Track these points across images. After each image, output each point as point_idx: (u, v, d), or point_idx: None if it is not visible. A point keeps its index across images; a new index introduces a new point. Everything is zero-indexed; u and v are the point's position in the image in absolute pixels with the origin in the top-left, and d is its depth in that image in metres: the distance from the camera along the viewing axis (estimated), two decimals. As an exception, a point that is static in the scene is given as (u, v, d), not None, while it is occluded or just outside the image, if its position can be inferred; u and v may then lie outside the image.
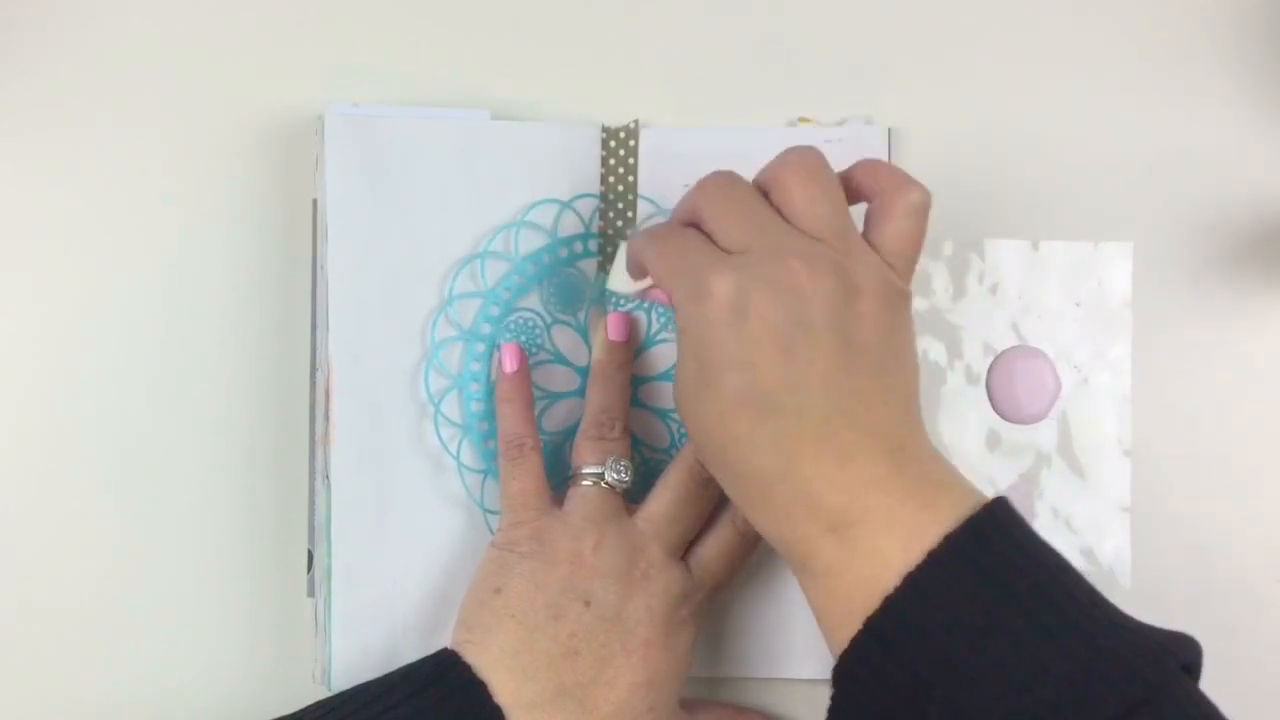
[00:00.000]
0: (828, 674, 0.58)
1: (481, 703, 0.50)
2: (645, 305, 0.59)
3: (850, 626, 0.45)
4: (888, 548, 0.45)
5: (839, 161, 0.59)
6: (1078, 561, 0.60)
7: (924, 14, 0.61)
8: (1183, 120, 0.61)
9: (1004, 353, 0.60)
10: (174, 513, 0.59)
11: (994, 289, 0.60)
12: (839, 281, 0.46)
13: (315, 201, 0.59)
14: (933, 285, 0.60)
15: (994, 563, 0.44)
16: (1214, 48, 0.61)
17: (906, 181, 0.49)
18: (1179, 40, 0.61)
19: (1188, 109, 0.61)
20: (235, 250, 0.60)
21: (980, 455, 0.60)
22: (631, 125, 0.60)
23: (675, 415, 0.59)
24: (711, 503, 0.55)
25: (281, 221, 0.60)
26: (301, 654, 0.59)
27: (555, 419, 0.58)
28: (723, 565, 0.55)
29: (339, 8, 0.61)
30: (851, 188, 0.50)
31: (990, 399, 0.60)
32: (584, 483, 0.54)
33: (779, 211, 0.48)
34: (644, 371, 0.59)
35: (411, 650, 0.56)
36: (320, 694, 0.56)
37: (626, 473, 0.55)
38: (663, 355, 0.59)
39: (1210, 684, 0.45)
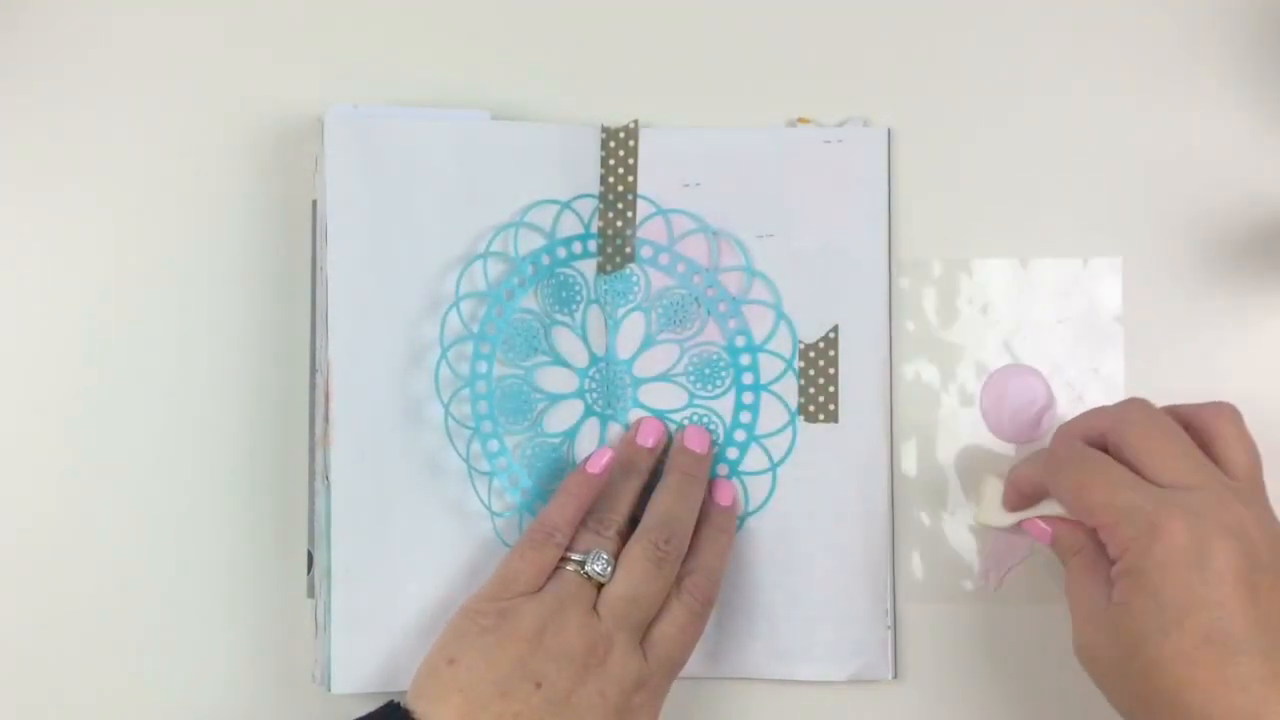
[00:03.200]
0: (827, 675, 0.59)
1: None
2: (645, 306, 0.59)
3: None
4: None
5: (837, 164, 0.60)
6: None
7: (924, 14, 0.61)
8: (1181, 123, 0.61)
9: (995, 372, 0.60)
10: (174, 513, 0.59)
11: (984, 309, 0.60)
12: (1272, 523, 0.48)
13: (315, 202, 0.59)
14: (923, 306, 0.60)
15: None
16: (1213, 52, 0.61)
17: (1216, 406, 0.52)
18: (1179, 41, 0.61)
19: (1185, 112, 0.61)
20: (235, 250, 0.60)
21: (976, 475, 0.59)
22: (631, 125, 0.60)
23: (675, 416, 0.59)
24: (669, 581, 0.55)
25: (281, 221, 0.60)
26: (301, 654, 0.59)
27: (553, 421, 0.58)
28: (677, 645, 0.55)
29: (339, 8, 0.61)
30: (1188, 420, 0.52)
31: (984, 418, 0.60)
32: (567, 567, 0.55)
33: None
34: (644, 372, 0.59)
35: (411, 650, 0.56)
36: (320, 694, 0.57)
37: (607, 568, 0.54)
38: (663, 356, 0.59)
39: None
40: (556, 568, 0.55)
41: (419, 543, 0.57)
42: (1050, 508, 0.54)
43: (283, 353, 0.59)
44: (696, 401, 0.59)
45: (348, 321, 0.57)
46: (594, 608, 0.54)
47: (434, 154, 0.58)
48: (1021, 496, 0.55)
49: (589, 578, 0.54)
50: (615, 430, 0.59)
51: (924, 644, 0.59)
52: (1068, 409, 0.60)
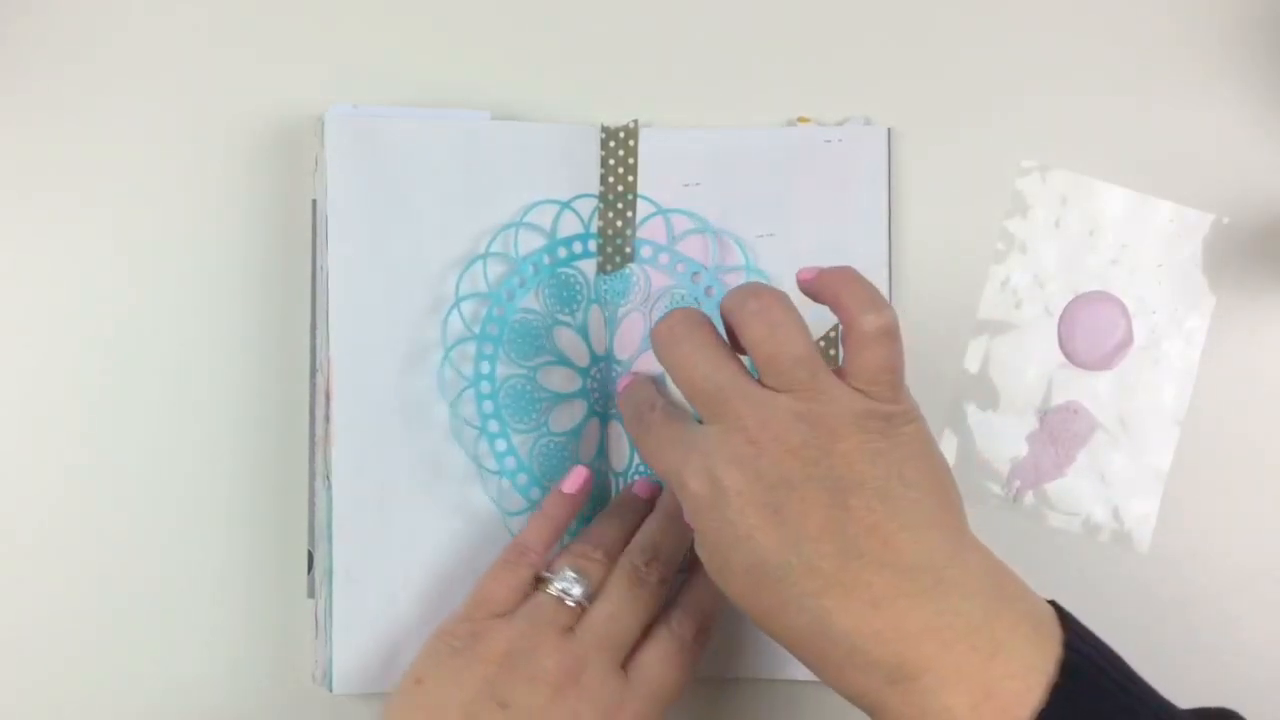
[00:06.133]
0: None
1: None
2: (645, 306, 0.59)
3: None
4: (957, 707, 0.44)
5: (839, 162, 0.60)
6: (1103, 517, 0.60)
7: (924, 14, 0.62)
8: (1181, 123, 0.61)
9: (1083, 295, 0.60)
10: (174, 513, 0.59)
11: (1092, 232, 0.61)
12: (807, 431, 0.46)
13: (315, 202, 0.59)
14: (1034, 212, 0.61)
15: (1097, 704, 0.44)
16: (1214, 51, 0.61)
17: (867, 308, 0.48)
18: (1180, 41, 0.62)
19: (1186, 112, 0.61)
20: (235, 250, 0.59)
21: (1035, 390, 0.60)
22: (631, 125, 0.60)
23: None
24: (650, 605, 0.54)
25: (281, 221, 0.60)
26: (301, 654, 0.59)
27: (558, 420, 0.58)
28: (663, 673, 0.53)
29: (339, 8, 0.61)
30: (823, 296, 0.49)
31: (1059, 337, 0.60)
32: (545, 588, 0.53)
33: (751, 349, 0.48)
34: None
35: (411, 651, 0.56)
36: (320, 694, 0.57)
37: (580, 590, 0.53)
38: (662, 356, 0.59)
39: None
40: (535, 589, 0.54)
41: (420, 543, 0.57)
42: None
43: (283, 352, 0.59)
44: (697, 401, 0.59)
45: (348, 321, 0.57)
46: (572, 628, 0.53)
47: (434, 154, 0.58)
48: None
49: (561, 600, 0.53)
50: (615, 430, 0.59)
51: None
52: (1142, 352, 0.60)
